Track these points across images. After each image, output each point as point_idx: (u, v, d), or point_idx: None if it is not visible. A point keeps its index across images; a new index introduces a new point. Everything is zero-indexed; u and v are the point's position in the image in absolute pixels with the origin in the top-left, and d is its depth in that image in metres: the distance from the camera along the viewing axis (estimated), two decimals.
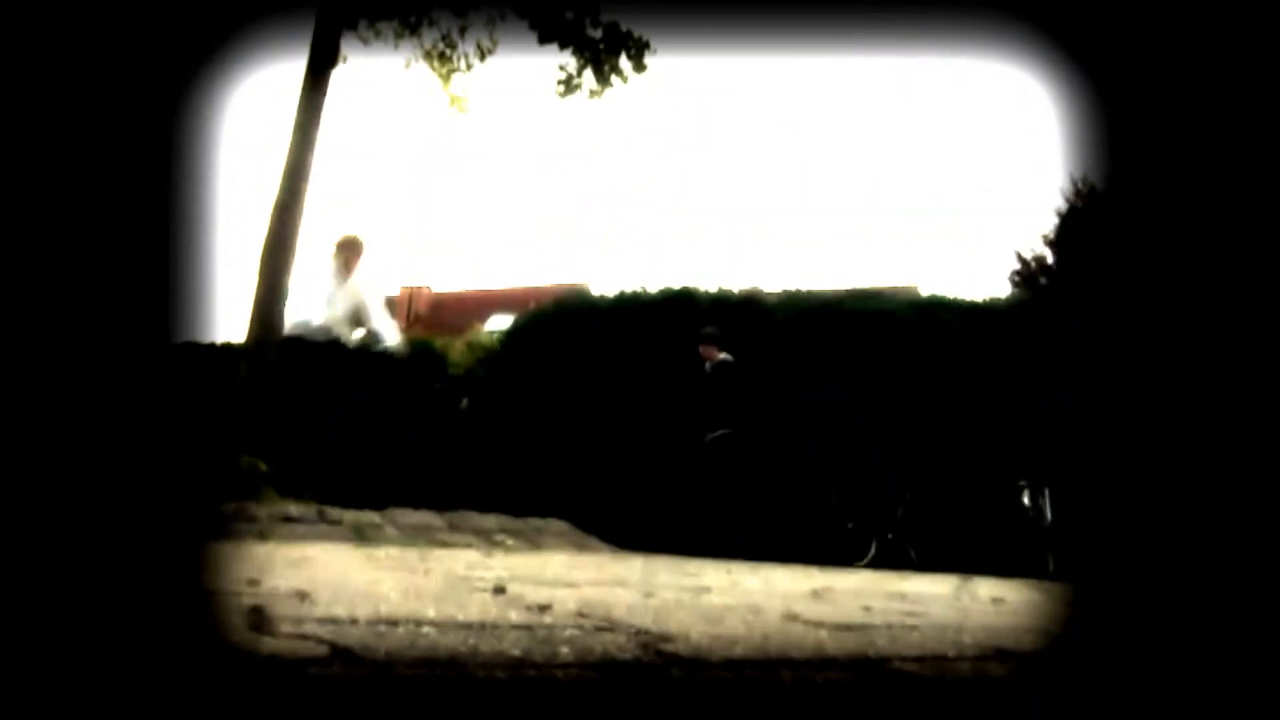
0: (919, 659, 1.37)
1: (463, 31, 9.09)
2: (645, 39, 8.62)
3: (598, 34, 8.62)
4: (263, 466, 6.40)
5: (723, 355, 8.09)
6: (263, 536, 4.59)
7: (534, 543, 5.45)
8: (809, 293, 9.49)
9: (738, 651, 1.36)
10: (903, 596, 2.85)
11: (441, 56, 9.08)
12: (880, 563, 7.22)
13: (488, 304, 28.21)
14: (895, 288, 16.93)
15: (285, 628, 1.29)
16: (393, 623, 1.42)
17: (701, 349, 8.01)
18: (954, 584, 3.90)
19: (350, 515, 5.26)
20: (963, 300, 8.58)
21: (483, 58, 9.15)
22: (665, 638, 1.48)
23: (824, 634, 1.68)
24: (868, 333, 8.37)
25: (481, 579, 2.51)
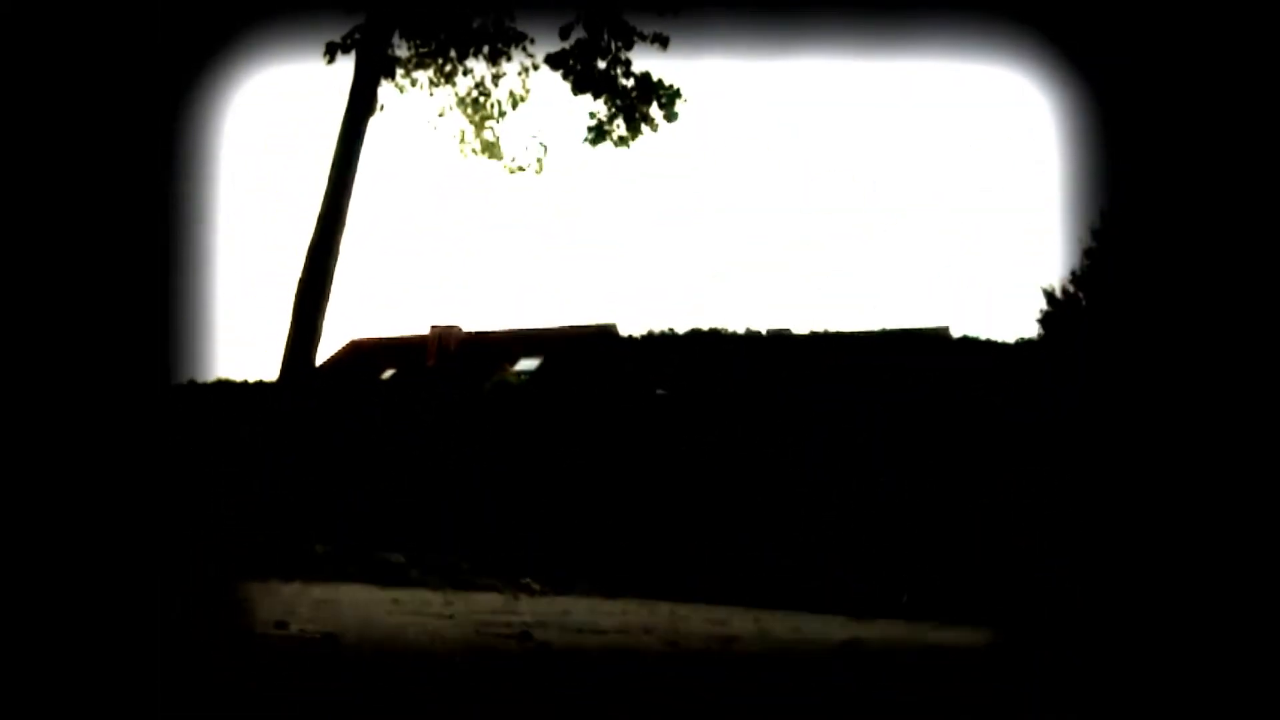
0: (955, 710, 1.35)
1: (496, 80, 9.26)
2: (676, 88, 8.73)
3: (630, 83, 8.74)
4: (292, 504, 6.44)
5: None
6: (290, 575, 4.61)
7: (560, 586, 5.42)
8: (838, 333, 9.41)
9: (766, 699, 1.34)
10: (936, 650, 2.79)
11: (475, 104, 9.25)
12: (912, 612, 7.08)
13: (518, 343, 28.34)
14: (926, 328, 16.72)
15: (316, 669, 1.30)
16: (420, 667, 1.42)
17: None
18: (988, 637, 3.82)
19: (378, 556, 5.27)
20: (995, 341, 8.48)
21: (515, 105, 9.30)
22: (690, 685, 1.46)
23: (853, 682, 1.65)
24: (897, 375, 8.30)
25: (507, 624, 2.50)
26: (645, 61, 10.59)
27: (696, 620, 3.58)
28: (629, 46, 8.91)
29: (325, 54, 8.59)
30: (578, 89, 8.93)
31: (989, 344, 8.43)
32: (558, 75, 8.98)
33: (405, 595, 3.77)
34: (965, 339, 8.74)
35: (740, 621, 3.51)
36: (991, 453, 7.56)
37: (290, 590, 3.57)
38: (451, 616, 2.68)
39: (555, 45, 9.02)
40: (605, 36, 8.89)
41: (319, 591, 3.57)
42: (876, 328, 9.90)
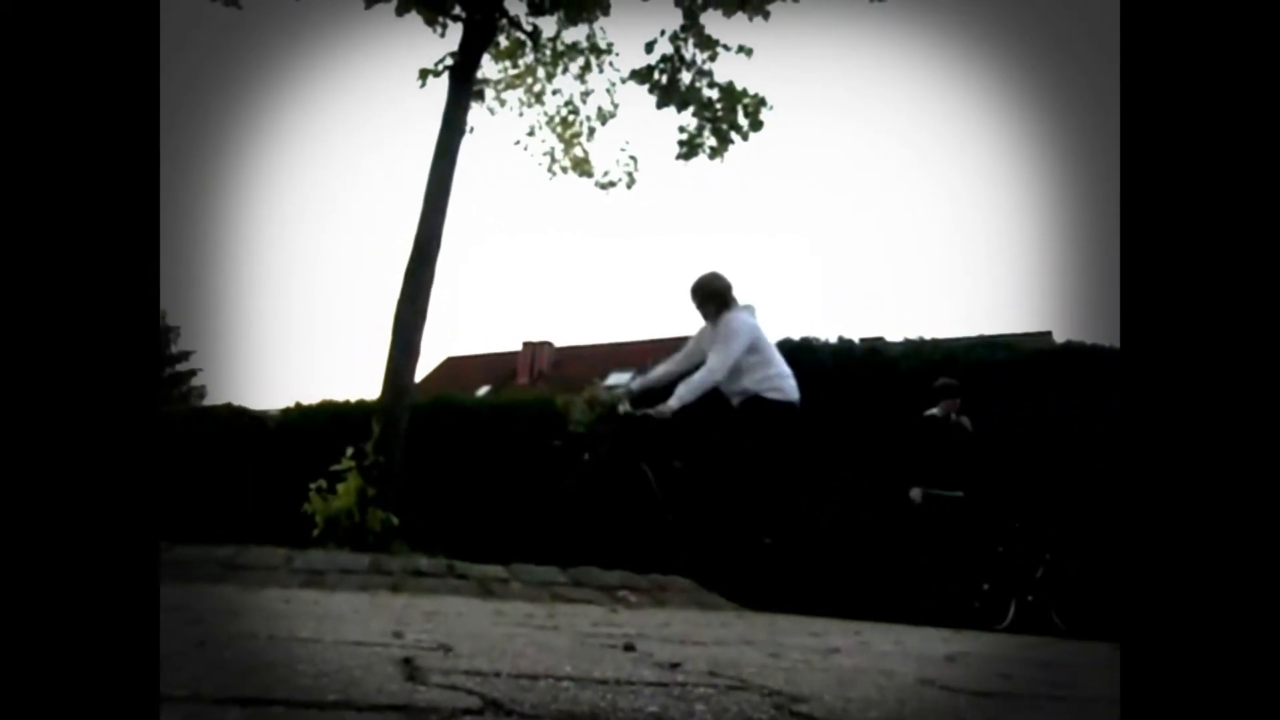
0: None
1: (585, 97, 9.43)
2: (761, 96, 8.72)
3: (714, 94, 8.78)
4: (395, 521, 6.65)
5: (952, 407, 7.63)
6: (396, 589, 4.76)
7: (657, 599, 5.45)
8: (934, 341, 9.24)
9: (872, 715, 1.34)
10: (1046, 665, 2.72)
11: (564, 122, 9.44)
12: (1020, 627, 6.87)
13: (610, 358, 28.62)
14: (1027, 334, 16.24)
15: (435, 679, 1.36)
16: (533, 677, 1.47)
17: (945, 403, 7.61)
18: (1106, 653, 3.69)
19: (477, 569, 5.39)
20: (1102, 346, 8.18)
21: (604, 122, 9.45)
22: (798, 699, 1.47)
23: (962, 700, 1.63)
24: (998, 384, 8.09)
25: (610, 635, 2.54)
26: (729, 70, 10.58)
27: (796, 632, 3.56)
28: (713, 58, 8.95)
29: (419, 78, 8.90)
30: (662, 103, 9.01)
31: (1096, 349, 8.13)
32: (643, 89, 9.07)
33: (508, 607, 3.85)
34: (1069, 345, 8.44)
35: (840, 635, 3.47)
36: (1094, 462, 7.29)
37: (400, 603, 3.69)
38: (556, 628, 2.74)
39: (639, 59, 9.11)
40: (690, 49, 8.95)
41: (426, 604, 3.68)
42: (974, 334, 9.66)
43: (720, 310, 6.30)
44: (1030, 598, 7.30)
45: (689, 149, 8.88)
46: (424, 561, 5.45)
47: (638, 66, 8.76)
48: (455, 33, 8.19)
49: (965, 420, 7.57)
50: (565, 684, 1.41)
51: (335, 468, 6.64)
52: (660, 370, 6.71)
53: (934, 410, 7.63)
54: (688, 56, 8.61)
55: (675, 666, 1.80)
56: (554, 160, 9.64)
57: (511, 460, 9.83)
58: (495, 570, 5.41)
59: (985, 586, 7.38)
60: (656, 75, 8.65)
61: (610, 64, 9.38)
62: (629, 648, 2.14)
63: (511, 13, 8.65)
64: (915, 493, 7.46)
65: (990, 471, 7.52)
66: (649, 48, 8.67)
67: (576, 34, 9.19)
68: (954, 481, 7.44)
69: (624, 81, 9.31)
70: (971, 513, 7.41)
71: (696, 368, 6.45)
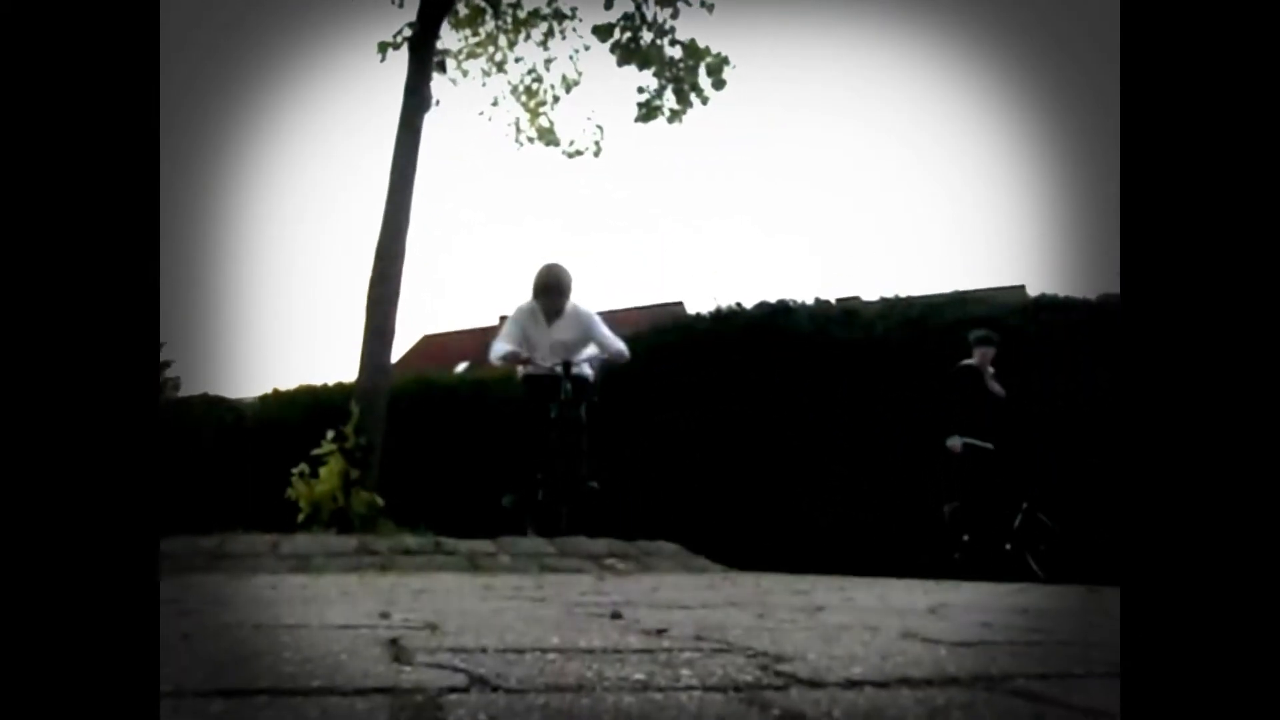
0: (1044, 677, 1.35)
1: (549, 65, 9.33)
2: (723, 55, 8.65)
3: (677, 53, 8.70)
4: (379, 501, 6.65)
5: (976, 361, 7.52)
6: (384, 569, 4.77)
7: (645, 565, 5.49)
8: (909, 299, 9.31)
9: (856, 671, 1.36)
10: (1024, 611, 2.77)
11: (529, 91, 9.33)
12: (999, 575, 7.00)
13: None
14: (1000, 288, 16.37)
15: (421, 658, 1.37)
16: (519, 650, 1.48)
17: (980, 352, 7.48)
18: (1080, 597, 3.77)
19: (465, 545, 5.41)
20: (1075, 298, 8.27)
21: (568, 89, 9.36)
22: (782, 658, 1.49)
23: (943, 651, 1.66)
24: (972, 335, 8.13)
25: (597, 604, 2.56)
26: (691, 28, 10.46)
27: (781, 591, 3.61)
28: (675, 15, 8.86)
29: (378, 51, 8.76)
30: (623, 61, 8.91)
31: (1068, 301, 8.21)
32: (606, 52, 8.96)
33: (497, 581, 3.88)
34: (1043, 298, 8.51)
35: (826, 592, 3.52)
36: (1113, 454, 7.39)
37: (387, 582, 3.71)
38: (544, 600, 2.76)
39: (600, 19, 9.00)
40: (651, 6, 8.84)
41: (415, 582, 3.70)
42: (949, 290, 9.72)
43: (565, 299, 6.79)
44: (1008, 546, 7.42)
45: (648, 110, 8.82)
46: (411, 540, 5.47)
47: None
48: (413, 4, 8.06)
49: (997, 386, 7.49)
50: (552, 655, 1.43)
51: (316, 451, 6.63)
52: (509, 351, 6.84)
53: (970, 360, 7.56)
54: (649, 16, 8.51)
55: (661, 632, 1.82)
56: (519, 130, 9.55)
57: (493, 434, 9.83)
58: (483, 545, 5.44)
59: (965, 538, 7.50)
60: (618, 34, 8.56)
61: (573, 29, 9.28)
62: (616, 615, 2.17)
63: None
64: (955, 441, 7.39)
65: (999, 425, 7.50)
66: (608, 4, 8.57)
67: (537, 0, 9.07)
68: (985, 433, 7.42)
69: (587, 49, 9.21)
70: (1003, 464, 7.37)
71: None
